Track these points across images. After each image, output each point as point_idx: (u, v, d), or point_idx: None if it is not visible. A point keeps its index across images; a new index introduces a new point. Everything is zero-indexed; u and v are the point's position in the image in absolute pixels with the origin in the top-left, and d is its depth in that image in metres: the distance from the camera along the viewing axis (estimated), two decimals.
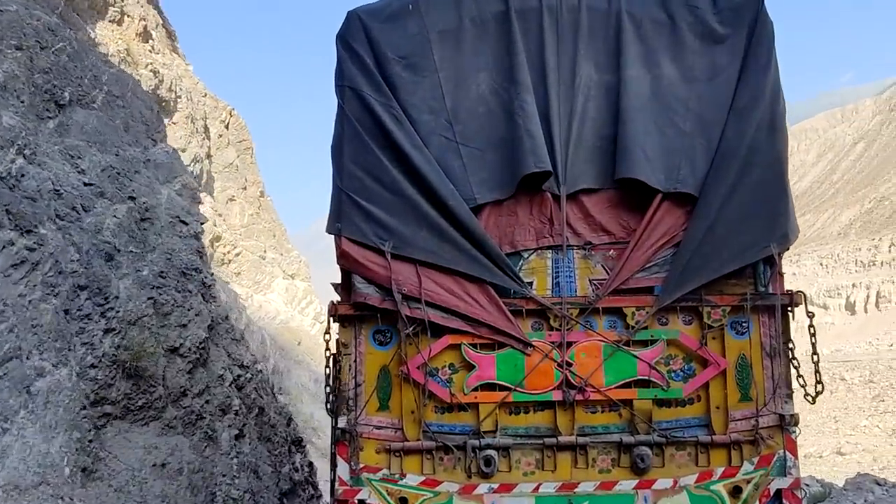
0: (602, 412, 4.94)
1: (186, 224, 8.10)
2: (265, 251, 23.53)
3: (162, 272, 7.29)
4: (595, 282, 5.02)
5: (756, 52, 5.06)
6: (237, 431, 8.33)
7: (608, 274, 4.99)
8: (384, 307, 4.88)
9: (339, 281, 5.18)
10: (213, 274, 10.16)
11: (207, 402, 7.69)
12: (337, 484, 4.91)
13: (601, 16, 5.16)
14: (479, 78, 5.12)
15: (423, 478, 4.89)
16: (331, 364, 5.05)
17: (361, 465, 4.90)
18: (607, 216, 5.06)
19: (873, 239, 71.84)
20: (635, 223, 4.99)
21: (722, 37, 5.12)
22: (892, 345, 54.66)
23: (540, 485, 4.87)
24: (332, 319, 4.99)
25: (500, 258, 4.89)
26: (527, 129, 4.92)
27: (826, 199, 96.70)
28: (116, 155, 7.80)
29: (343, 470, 4.90)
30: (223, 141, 23.87)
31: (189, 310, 7.52)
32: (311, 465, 11.84)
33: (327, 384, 5.02)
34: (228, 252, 21.26)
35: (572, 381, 4.86)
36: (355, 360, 4.97)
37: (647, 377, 4.87)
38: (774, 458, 4.83)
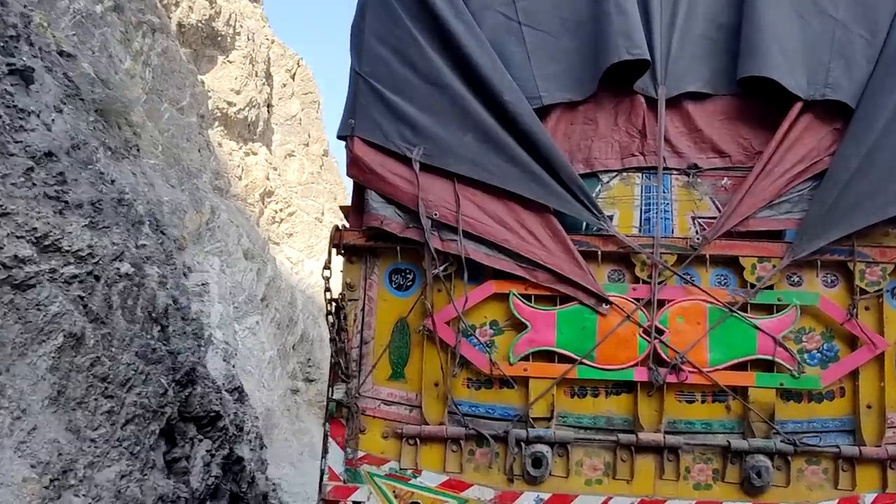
0: (703, 402, 3.53)
1: None
2: (323, 213, 21.19)
3: None
4: (701, 220, 3.63)
5: None
6: None
7: (719, 210, 3.60)
8: (406, 236, 3.54)
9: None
10: None
11: None
12: (326, 477, 3.55)
13: None
14: None
15: (445, 477, 3.52)
16: (332, 312, 3.70)
17: (362, 454, 3.56)
18: (721, 131, 3.67)
19: None
20: (761, 142, 3.61)
21: None
22: None
23: (609, 499, 3.46)
24: (334, 250, 3.66)
25: (571, 179, 3.53)
26: (617, 3, 3.56)
27: None
28: None
29: (336, 458, 3.56)
30: (287, 91, 21.86)
31: None
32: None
33: (332, 338, 3.66)
34: (281, 210, 19.21)
35: (663, 355, 3.47)
36: (363, 309, 3.64)
37: (769, 357, 3.46)
38: None
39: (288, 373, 15.56)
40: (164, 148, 10.21)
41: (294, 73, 22.52)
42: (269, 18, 22.48)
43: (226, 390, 7.68)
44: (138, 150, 8.14)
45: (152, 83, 11.66)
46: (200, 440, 6.06)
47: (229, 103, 16.40)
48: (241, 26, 16.89)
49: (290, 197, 19.77)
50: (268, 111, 19.28)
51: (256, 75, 17.87)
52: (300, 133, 21.95)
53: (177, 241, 8.20)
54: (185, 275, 8.76)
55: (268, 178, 17.99)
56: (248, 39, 17.29)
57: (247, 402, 8.93)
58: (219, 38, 15.90)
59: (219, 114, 16.09)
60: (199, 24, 14.99)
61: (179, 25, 14.39)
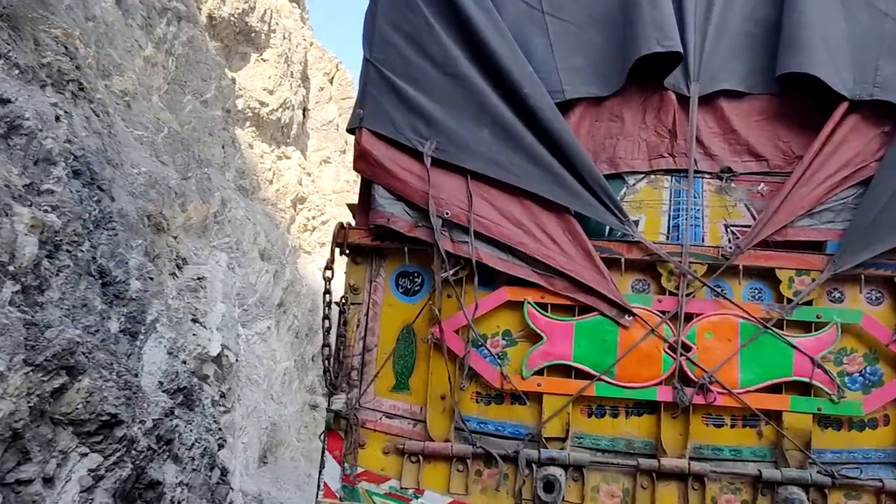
0: (732, 427, 3.24)
1: None
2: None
3: None
4: (734, 228, 3.35)
5: None
6: None
7: (755, 218, 3.32)
8: (414, 236, 3.29)
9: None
10: None
11: None
12: (321, 494, 3.29)
13: None
14: None
15: (449, 499, 3.26)
16: (329, 316, 3.45)
17: (360, 470, 3.30)
18: (758, 132, 3.40)
19: None
20: (801, 145, 3.33)
21: None
22: None
23: None
24: (337, 249, 3.41)
25: (594, 180, 3.26)
26: None
27: None
28: None
29: (332, 474, 3.30)
30: (324, 95, 21.30)
31: None
32: None
33: (324, 344, 3.41)
34: (314, 218, 18.30)
35: (690, 373, 3.18)
36: (366, 314, 3.39)
37: (806, 379, 3.16)
38: None
39: (306, 386, 14.57)
40: (173, 132, 9.57)
41: (332, 77, 22.04)
42: (310, 20, 22.00)
43: (164, 391, 6.15)
44: (88, 97, 6.63)
45: (175, 73, 11.24)
46: (84, 455, 4.57)
47: (261, 103, 15.84)
48: (277, 24, 16.36)
49: (324, 205, 19.11)
50: (303, 115, 18.74)
51: (292, 76, 17.33)
52: (337, 139, 21.37)
53: (151, 217, 7.22)
54: (178, 266, 8.10)
55: (300, 184, 17.43)
56: (284, 38, 16.77)
57: (207, 409, 7.37)
58: (252, 35, 15.43)
59: (250, 113, 15.57)
60: (232, 18, 14.54)
61: (210, 18, 13.98)
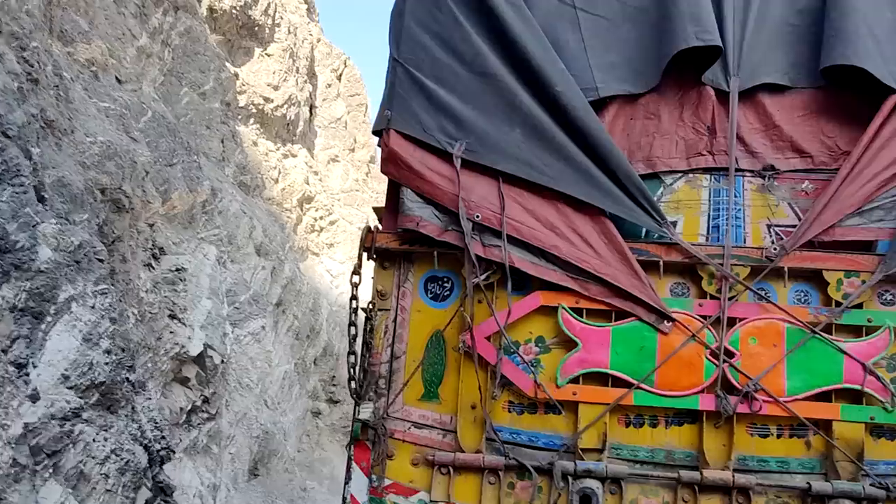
0: (779, 437, 3.09)
1: None
2: (368, 223, 20.15)
3: None
4: (778, 228, 3.21)
5: None
6: None
7: (799, 217, 3.18)
8: (444, 240, 3.18)
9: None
10: None
11: None
12: None
13: None
14: None
15: None
16: (355, 322, 3.35)
17: (388, 483, 3.19)
18: (802, 128, 3.26)
19: None
20: (848, 141, 3.19)
21: None
22: None
23: None
24: (364, 253, 3.31)
25: (629, 180, 3.14)
26: None
27: None
28: None
29: (359, 486, 3.19)
30: (332, 92, 20.36)
31: None
32: None
33: (350, 351, 3.31)
34: (321, 218, 17.62)
35: (734, 381, 3.04)
36: (394, 320, 3.28)
37: (857, 386, 3.01)
38: None
39: (308, 391, 13.72)
40: (158, 116, 8.77)
41: (340, 74, 21.32)
42: (319, 15, 21.36)
43: (70, 387, 4.68)
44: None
45: (171, 64, 10.87)
46: None
47: (266, 99, 15.28)
48: (282, 18, 15.88)
49: (332, 205, 18.48)
50: (310, 112, 18.21)
51: (297, 71, 16.83)
52: (345, 137, 20.68)
53: (106, 192, 6.11)
54: (154, 256, 7.24)
55: (307, 183, 16.98)
56: (290, 33, 16.26)
57: (143, 413, 5.74)
58: (256, 29, 14.95)
59: (254, 109, 15.09)
60: (234, 11, 14.07)
61: (210, 10, 13.56)
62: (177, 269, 7.36)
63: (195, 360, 7.37)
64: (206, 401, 7.61)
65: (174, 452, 5.89)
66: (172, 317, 7.10)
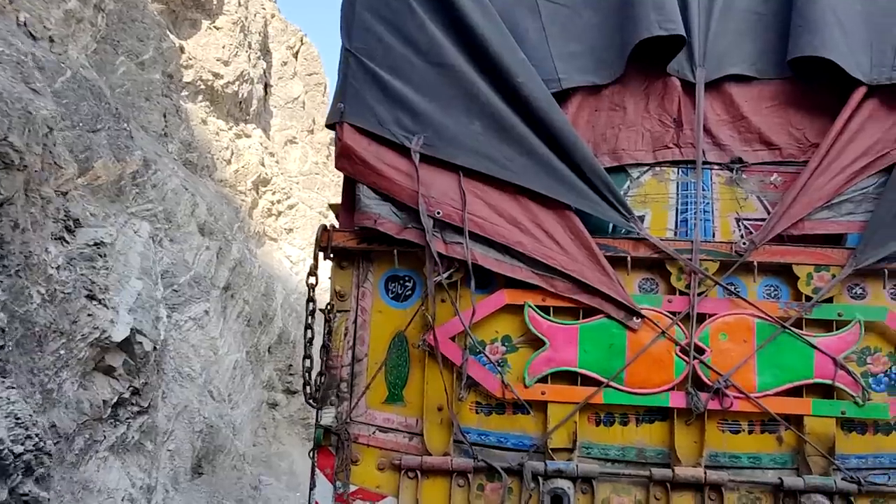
0: (750, 433, 3.04)
1: None
2: (327, 208, 19.34)
3: None
4: (747, 222, 3.15)
5: None
6: None
7: (768, 211, 3.12)
8: (404, 238, 3.08)
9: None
10: None
11: None
12: None
13: None
14: None
15: None
16: (312, 325, 3.24)
17: (354, 489, 3.10)
18: (770, 120, 3.19)
19: None
20: (817, 133, 3.13)
21: None
22: None
23: None
24: (321, 253, 3.20)
25: (596, 174, 3.06)
26: None
27: None
28: None
29: (324, 493, 3.10)
30: (288, 70, 19.66)
31: None
32: None
33: (306, 355, 3.21)
34: (279, 202, 17.05)
35: (704, 377, 2.99)
36: (355, 322, 3.18)
37: (828, 381, 2.96)
38: None
39: (263, 382, 12.94)
40: (80, 78, 7.84)
41: (297, 52, 20.55)
42: None
43: None
44: None
45: (105, 31, 10.24)
46: None
47: (215, 75, 14.50)
48: None
49: (290, 188, 17.89)
50: (265, 91, 17.50)
51: (250, 47, 16.08)
52: (303, 118, 19.94)
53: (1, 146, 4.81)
54: (68, 229, 6.13)
55: (262, 165, 16.30)
56: (240, 5, 15.54)
57: None
58: (201, 1, 14.26)
59: (203, 86, 14.31)
60: None
61: None
62: (95, 244, 6.45)
63: (121, 346, 6.45)
64: (135, 392, 6.71)
65: (50, 456, 4.72)
66: (91, 297, 6.17)
